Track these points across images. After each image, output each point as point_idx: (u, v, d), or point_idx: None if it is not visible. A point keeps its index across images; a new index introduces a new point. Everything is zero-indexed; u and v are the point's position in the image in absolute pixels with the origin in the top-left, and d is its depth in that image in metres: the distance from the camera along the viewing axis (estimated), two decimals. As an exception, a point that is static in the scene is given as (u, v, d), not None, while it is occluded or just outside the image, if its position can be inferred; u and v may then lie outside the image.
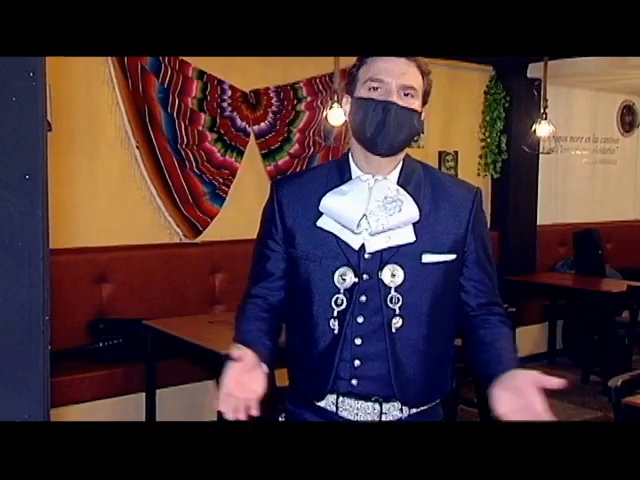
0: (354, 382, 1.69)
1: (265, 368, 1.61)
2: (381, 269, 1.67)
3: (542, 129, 5.17)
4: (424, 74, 1.68)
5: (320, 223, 1.70)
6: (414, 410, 1.73)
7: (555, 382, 1.48)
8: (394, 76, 1.63)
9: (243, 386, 1.52)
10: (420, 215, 1.69)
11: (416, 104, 1.67)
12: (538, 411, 1.48)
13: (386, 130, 1.64)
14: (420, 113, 1.69)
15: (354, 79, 1.69)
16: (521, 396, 1.51)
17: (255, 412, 1.51)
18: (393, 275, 1.67)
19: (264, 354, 1.63)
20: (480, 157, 6.13)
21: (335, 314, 1.68)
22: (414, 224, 1.68)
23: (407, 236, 1.68)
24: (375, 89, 1.64)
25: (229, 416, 1.50)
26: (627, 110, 7.42)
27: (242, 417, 1.50)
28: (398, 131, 1.65)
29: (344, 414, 1.71)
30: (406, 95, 1.65)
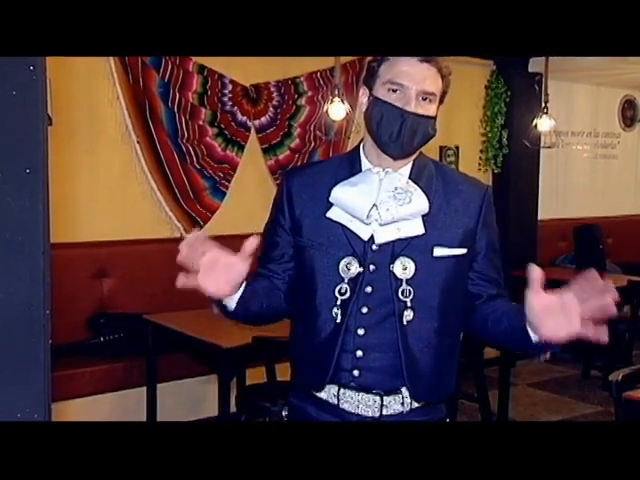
0: (355, 373, 1.70)
1: (238, 293, 1.64)
2: (393, 261, 1.69)
3: (543, 124, 5.18)
4: (444, 77, 1.68)
5: (330, 214, 1.72)
6: (415, 404, 1.74)
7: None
8: (414, 81, 1.64)
9: (212, 267, 1.55)
10: (431, 209, 1.70)
11: (433, 109, 1.69)
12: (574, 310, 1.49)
13: (400, 138, 1.66)
14: (435, 117, 1.70)
15: (374, 74, 1.70)
16: (563, 317, 1.52)
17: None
18: (405, 268, 1.69)
19: (251, 288, 1.67)
20: (481, 152, 6.13)
21: (338, 303, 1.69)
22: (425, 217, 1.70)
23: (416, 228, 1.69)
24: (394, 91, 1.66)
25: (211, 290, 1.55)
26: (628, 105, 7.41)
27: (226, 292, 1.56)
28: (412, 139, 1.67)
29: (345, 406, 1.72)
30: (424, 100, 1.67)
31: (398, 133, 1.65)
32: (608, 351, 5.39)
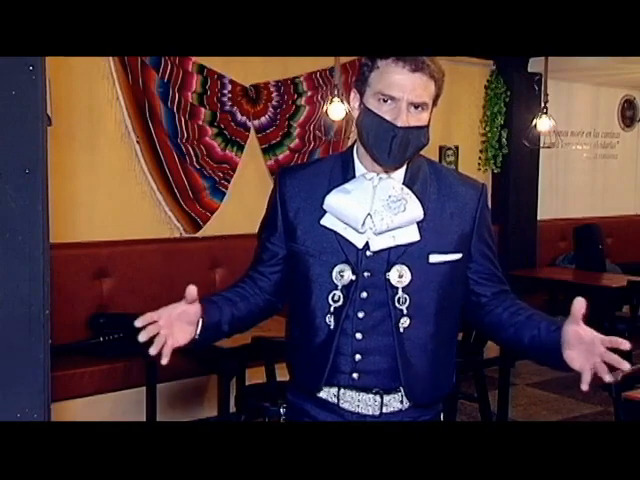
0: (355, 376, 1.70)
1: (199, 328, 1.66)
2: (389, 269, 1.68)
3: (543, 124, 5.17)
4: (436, 81, 1.64)
5: (324, 222, 1.70)
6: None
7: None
8: (405, 91, 1.61)
9: (171, 327, 1.61)
10: (426, 214, 1.69)
11: (425, 117, 1.66)
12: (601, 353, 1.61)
13: (392, 153, 1.64)
14: (428, 124, 1.68)
15: (365, 81, 1.66)
16: (585, 350, 1.61)
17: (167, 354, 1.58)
18: (400, 276, 1.68)
19: (211, 315, 1.69)
20: (481, 152, 6.13)
21: (332, 310, 1.69)
22: (419, 223, 1.69)
23: (412, 235, 1.68)
24: (385, 101, 1.63)
25: (152, 350, 1.59)
26: (628, 105, 7.41)
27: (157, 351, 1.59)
28: (404, 152, 1.65)
29: (345, 405, 1.73)
30: (416, 108, 1.64)
31: (390, 148, 1.63)
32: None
